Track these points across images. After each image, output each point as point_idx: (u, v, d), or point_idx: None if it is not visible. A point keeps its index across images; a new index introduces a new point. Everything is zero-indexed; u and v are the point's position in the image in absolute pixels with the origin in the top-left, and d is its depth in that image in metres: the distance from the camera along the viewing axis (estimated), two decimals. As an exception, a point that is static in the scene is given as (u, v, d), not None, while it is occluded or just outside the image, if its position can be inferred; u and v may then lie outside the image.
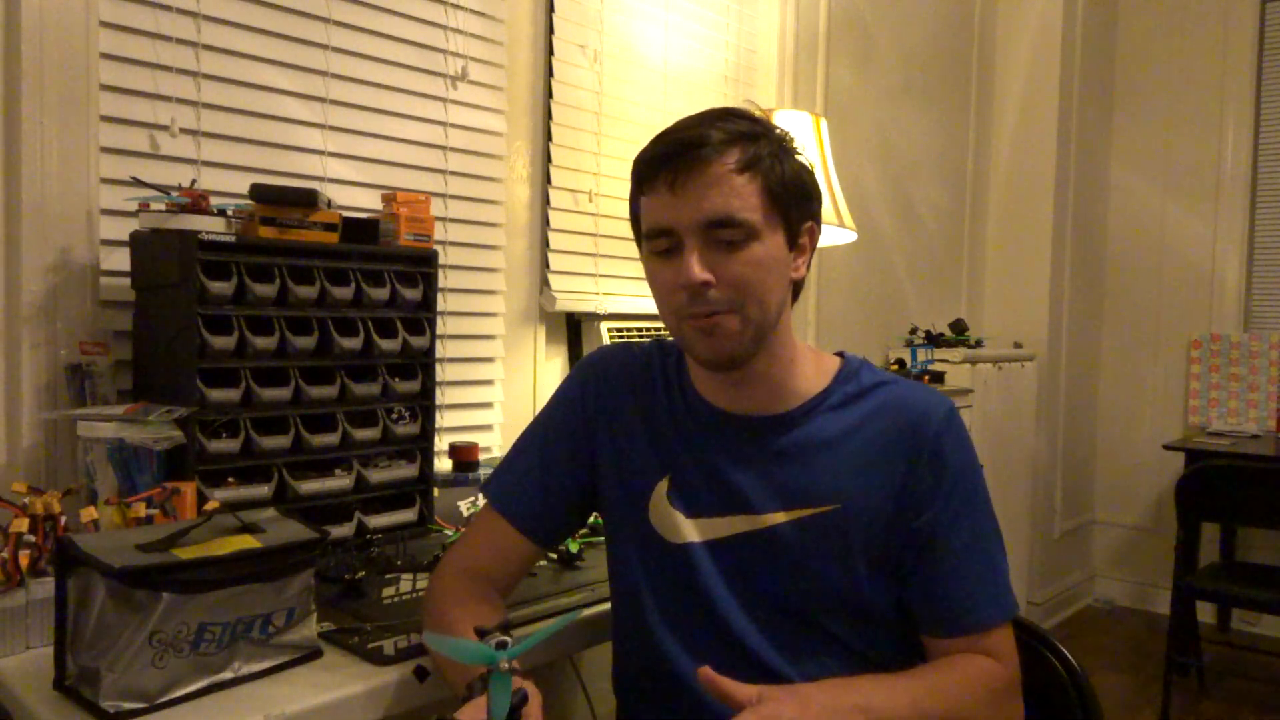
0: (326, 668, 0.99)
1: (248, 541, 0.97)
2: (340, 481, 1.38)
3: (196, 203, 1.24)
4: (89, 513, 1.05)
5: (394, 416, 1.45)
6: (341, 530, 1.37)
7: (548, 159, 2.07)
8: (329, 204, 1.36)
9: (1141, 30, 3.98)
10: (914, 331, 3.25)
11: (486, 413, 1.96)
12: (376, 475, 1.42)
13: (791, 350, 1.05)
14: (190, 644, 0.90)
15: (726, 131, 0.96)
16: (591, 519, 1.24)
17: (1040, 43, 3.65)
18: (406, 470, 1.47)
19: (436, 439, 1.55)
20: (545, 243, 2.07)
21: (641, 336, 2.12)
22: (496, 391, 1.97)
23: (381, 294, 1.41)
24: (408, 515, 1.47)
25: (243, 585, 0.93)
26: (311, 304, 1.33)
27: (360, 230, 1.43)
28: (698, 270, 0.94)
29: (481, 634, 0.78)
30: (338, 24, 1.65)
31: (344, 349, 1.37)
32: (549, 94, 2.07)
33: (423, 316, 1.48)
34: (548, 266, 2.07)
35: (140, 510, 1.07)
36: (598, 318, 2.14)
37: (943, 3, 3.45)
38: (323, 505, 1.35)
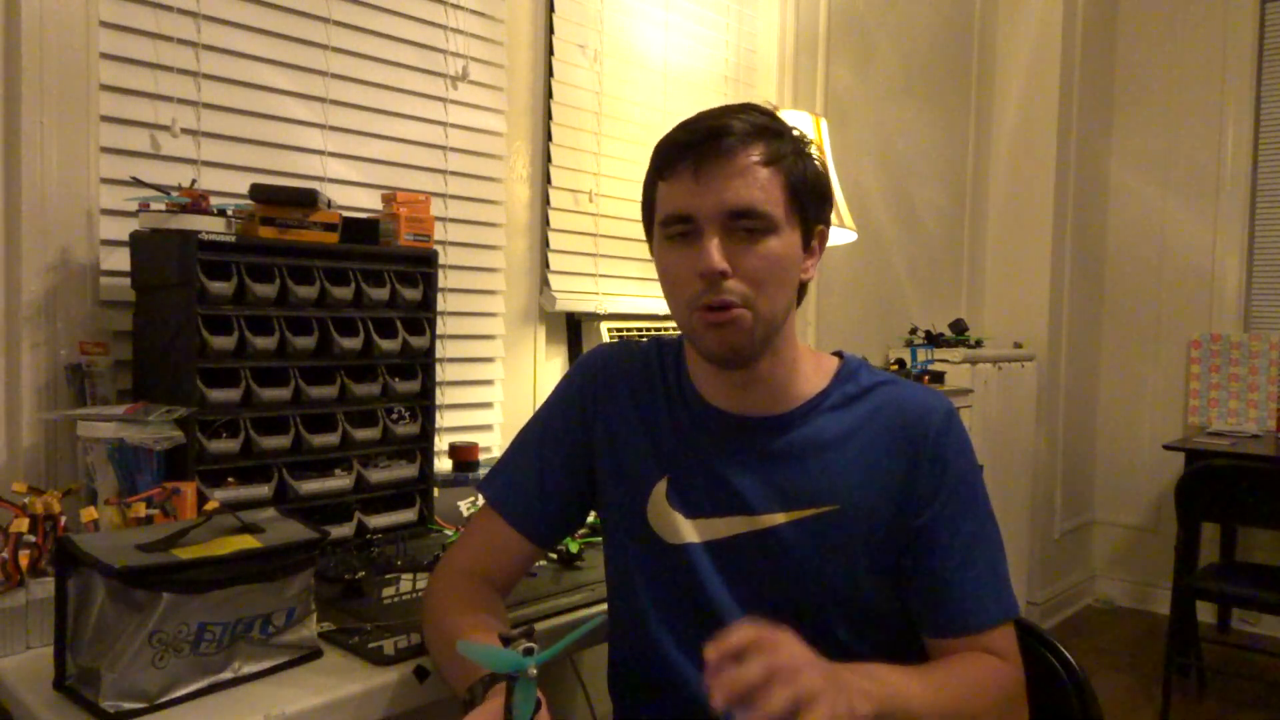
0: (326, 668, 0.99)
1: (248, 541, 0.97)
2: (340, 481, 1.38)
3: (196, 203, 1.24)
4: (89, 513, 1.05)
5: (394, 416, 1.45)
6: (341, 530, 1.37)
7: (548, 159, 2.07)
8: (329, 204, 1.36)
9: (1141, 30, 3.98)
10: (914, 331, 3.25)
11: (486, 413, 1.96)
12: (376, 475, 1.42)
13: (794, 352, 1.05)
14: (190, 644, 0.90)
15: (752, 124, 0.96)
16: (591, 518, 1.24)
17: (1040, 43, 3.65)
18: (406, 470, 1.47)
19: (436, 439, 1.55)
20: (545, 243, 2.07)
21: (641, 336, 2.12)
22: (496, 391, 1.97)
23: (381, 294, 1.41)
24: (408, 515, 1.47)
25: (243, 585, 0.93)
26: (311, 304, 1.33)
27: (360, 230, 1.43)
28: (718, 258, 0.93)
29: (506, 640, 0.78)
30: (338, 24, 1.65)
31: (344, 349, 1.37)
32: (549, 94, 2.07)
33: (423, 316, 1.48)
34: (548, 266, 2.07)
35: (140, 510, 1.07)
36: (598, 318, 2.14)
37: (943, 3, 3.45)
38: (323, 505, 1.36)
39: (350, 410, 1.39)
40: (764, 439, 1.03)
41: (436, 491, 1.54)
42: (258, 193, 1.27)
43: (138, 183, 1.33)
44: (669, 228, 0.98)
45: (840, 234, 2.28)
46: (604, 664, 1.14)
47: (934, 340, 3.15)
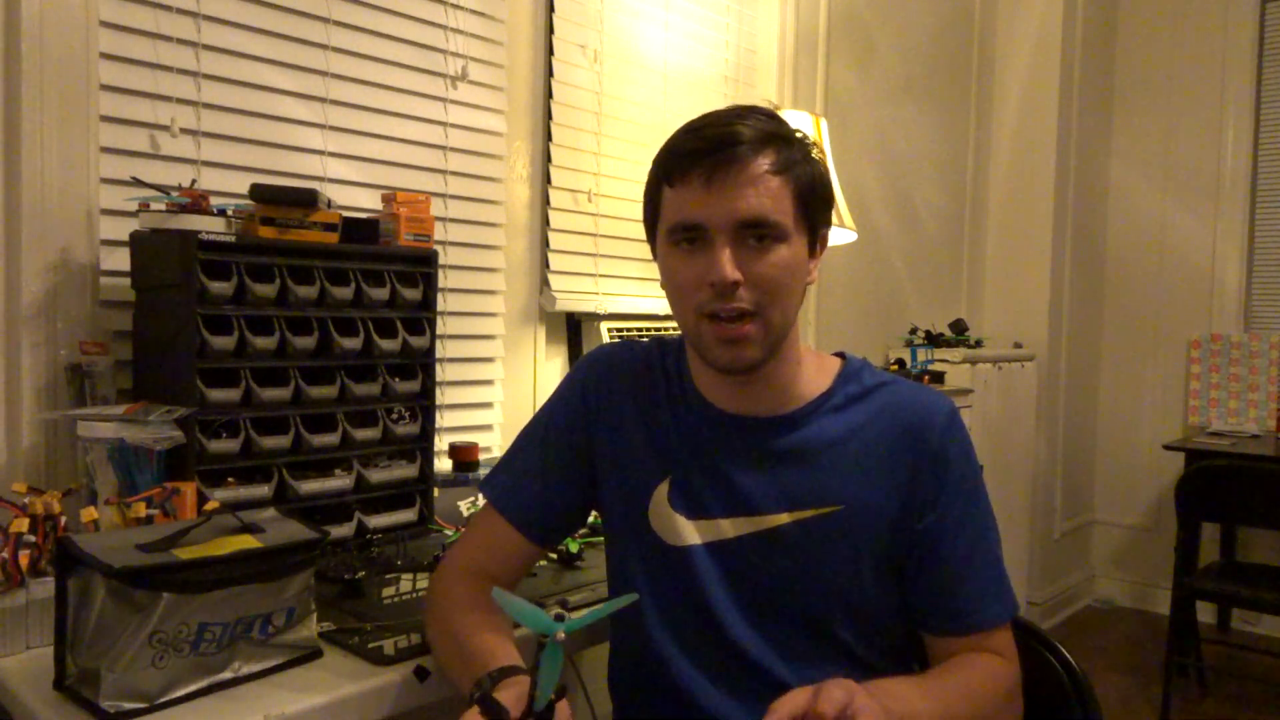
0: (326, 668, 0.99)
1: (248, 541, 0.97)
2: (340, 481, 1.38)
3: (196, 203, 1.24)
4: (89, 513, 1.05)
5: (394, 416, 1.45)
6: (341, 530, 1.37)
7: (548, 159, 2.07)
8: (329, 204, 1.36)
9: (1141, 30, 3.98)
10: (914, 331, 3.25)
11: (486, 413, 1.96)
12: (376, 475, 1.42)
13: (796, 352, 1.05)
14: (190, 644, 0.90)
15: (761, 131, 0.95)
16: (591, 519, 1.24)
17: (1040, 43, 3.65)
18: (406, 470, 1.47)
19: (436, 439, 1.55)
20: (545, 243, 2.07)
21: (642, 336, 2.12)
22: (496, 391, 1.97)
23: (381, 294, 1.41)
24: (408, 515, 1.47)
25: (243, 585, 0.93)
26: (311, 304, 1.33)
27: (360, 230, 1.43)
28: (730, 270, 0.93)
29: (539, 605, 0.78)
30: (338, 24, 1.65)
31: (344, 349, 1.37)
32: (549, 94, 2.07)
33: (423, 316, 1.48)
34: (548, 266, 2.07)
35: (140, 510, 1.07)
36: (598, 318, 2.14)
37: (943, 3, 3.45)
38: (323, 505, 1.36)
39: (350, 410, 1.39)
40: (767, 439, 1.03)
41: (436, 491, 1.54)
42: (258, 193, 1.27)
43: (138, 183, 1.33)
44: (677, 234, 0.97)
45: (840, 234, 2.28)
46: (604, 664, 1.14)
47: (934, 340, 3.15)
